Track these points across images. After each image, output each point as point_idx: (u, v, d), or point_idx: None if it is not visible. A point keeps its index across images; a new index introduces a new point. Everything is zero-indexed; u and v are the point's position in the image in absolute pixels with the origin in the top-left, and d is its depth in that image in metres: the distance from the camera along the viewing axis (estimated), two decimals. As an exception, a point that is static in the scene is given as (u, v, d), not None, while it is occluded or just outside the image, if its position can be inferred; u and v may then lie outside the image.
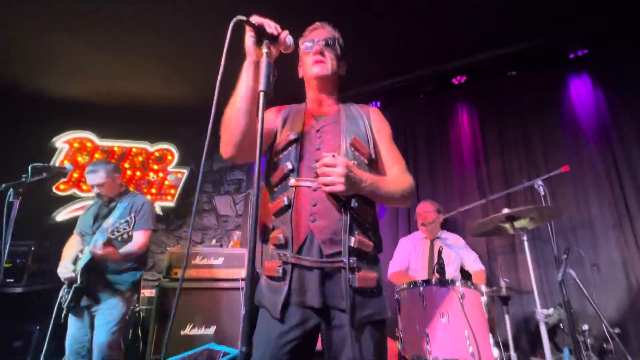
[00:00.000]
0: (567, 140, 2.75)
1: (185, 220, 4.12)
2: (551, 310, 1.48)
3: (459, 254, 2.55)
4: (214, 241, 3.83)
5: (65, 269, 2.02)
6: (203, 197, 4.23)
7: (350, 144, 1.09)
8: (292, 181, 1.05)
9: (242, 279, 3.00)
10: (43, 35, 2.86)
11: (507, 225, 1.90)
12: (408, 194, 1.12)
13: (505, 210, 1.69)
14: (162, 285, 2.92)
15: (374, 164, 1.14)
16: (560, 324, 2.08)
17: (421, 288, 1.58)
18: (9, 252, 1.90)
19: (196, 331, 2.86)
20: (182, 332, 2.84)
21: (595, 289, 2.15)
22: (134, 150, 4.05)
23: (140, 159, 4.05)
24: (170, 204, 4.01)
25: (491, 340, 1.49)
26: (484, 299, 1.60)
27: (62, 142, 3.84)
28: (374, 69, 3.27)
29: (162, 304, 2.88)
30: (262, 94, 0.85)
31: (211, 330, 2.87)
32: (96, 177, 2.20)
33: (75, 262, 2.10)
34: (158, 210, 3.94)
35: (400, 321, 1.71)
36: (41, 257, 3.28)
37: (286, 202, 1.03)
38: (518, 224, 1.73)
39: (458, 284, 1.55)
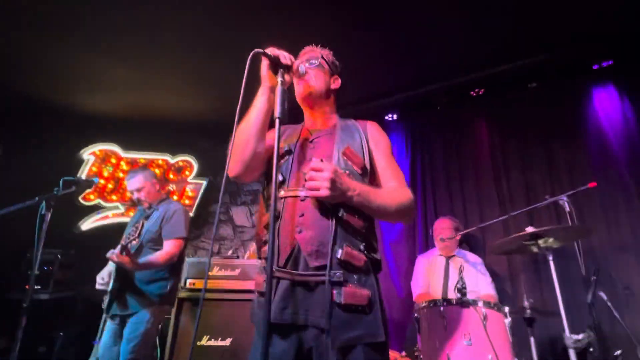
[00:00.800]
0: (594, 155, 2.65)
1: (202, 230, 4.19)
2: (581, 335, 1.41)
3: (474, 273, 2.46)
4: (230, 252, 3.86)
5: (100, 279, 2.04)
6: (220, 208, 4.30)
7: (342, 152, 1.07)
8: (281, 192, 1.04)
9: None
10: (72, 53, 3.02)
11: (531, 244, 1.83)
12: (405, 208, 1.05)
13: (530, 229, 1.64)
14: (179, 296, 2.96)
15: (369, 176, 1.11)
16: (590, 348, 1.97)
17: (442, 307, 1.54)
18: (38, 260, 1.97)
19: (212, 343, 2.87)
20: (199, 344, 2.85)
21: (627, 312, 2.04)
22: (156, 162, 4.18)
23: (162, 170, 4.18)
24: (189, 214, 4.09)
25: (516, 365, 1.43)
26: (507, 320, 1.54)
27: (89, 153, 4.01)
28: (390, 81, 3.29)
29: (179, 316, 2.91)
30: (277, 121, 0.90)
31: (227, 342, 2.87)
32: (135, 181, 2.21)
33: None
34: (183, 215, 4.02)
35: (419, 340, 1.67)
36: (66, 266, 3.39)
37: (275, 214, 1.01)
38: (543, 242, 1.67)
39: (480, 304, 1.51)
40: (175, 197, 4.14)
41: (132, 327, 1.98)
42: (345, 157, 1.07)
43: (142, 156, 4.16)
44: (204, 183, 4.18)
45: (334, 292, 0.91)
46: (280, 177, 1.05)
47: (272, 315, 0.90)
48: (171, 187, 4.14)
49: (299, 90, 1.17)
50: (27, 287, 3.11)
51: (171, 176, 4.16)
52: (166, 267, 2.10)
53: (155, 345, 3.09)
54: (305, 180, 0.95)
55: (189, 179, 4.18)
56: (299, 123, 1.27)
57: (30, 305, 1.89)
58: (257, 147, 1.04)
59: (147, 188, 2.23)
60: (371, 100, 3.47)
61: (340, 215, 0.97)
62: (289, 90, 1.01)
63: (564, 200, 1.92)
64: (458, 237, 2.52)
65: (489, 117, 3.17)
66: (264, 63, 1.02)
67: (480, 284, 2.40)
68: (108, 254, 1.89)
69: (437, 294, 2.40)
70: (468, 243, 2.77)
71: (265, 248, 1.03)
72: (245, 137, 1.03)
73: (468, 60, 3.01)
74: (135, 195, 2.23)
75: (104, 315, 2.09)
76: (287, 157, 1.10)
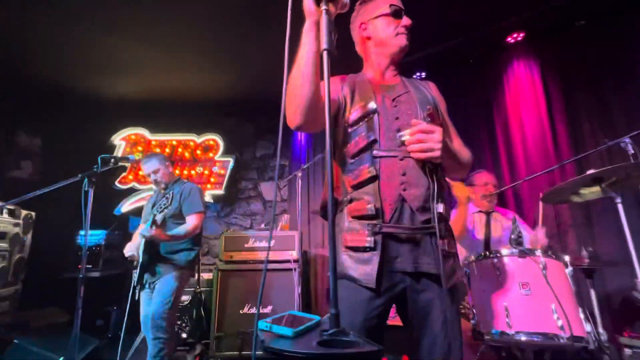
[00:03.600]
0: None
1: (233, 207, 4.27)
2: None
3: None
4: (262, 225, 3.92)
5: (128, 248, 2.25)
6: (249, 184, 4.34)
7: (427, 114, 1.06)
8: (375, 152, 1.04)
9: (294, 260, 3.05)
10: (95, 37, 3.03)
11: (587, 191, 1.68)
12: (470, 163, 1.18)
13: (592, 171, 1.49)
14: (219, 267, 3.07)
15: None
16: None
17: (495, 259, 1.46)
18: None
19: (254, 310, 2.98)
20: (241, 312, 2.97)
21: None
22: (183, 142, 4.24)
23: (189, 150, 4.23)
24: (220, 191, 4.16)
25: (581, 315, 1.34)
26: (569, 270, 1.44)
27: (120, 139, 4.11)
28: (415, 35, 3.05)
29: (220, 285, 3.03)
30: (325, 53, 0.79)
31: (268, 309, 2.97)
32: (151, 165, 2.38)
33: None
34: (209, 198, 4.11)
35: (470, 296, 1.61)
36: (112, 246, 3.59)
37: (373, 173, 1.01)
38: (607, 186, 1.52)
39: (539, 253, 1.41)
40: (203, 178, 4.21)
41: (161, 285, 2.17)
42: (430, 119, 1.06)
43: (169, 138, 4.22)
44: (231, 160, 4.21)
45: (440, 242, 0.97)
46: (372, 136, 1.05)
47: (386, 267, 0.98)
48: (199, 168, 4.19)
49: (403, 42, 1.14)
50: (79, 266, 3.36)
51: (199, 154, 4.22)
52: (190, 238, 2.30)
53: (200, 316, 3.27)
54: (402, 141, 0.99)
55: (216, 158, 4.21)
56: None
57: (84, 281, 2.01)
58: (314, 92, 0.96)
59: (162, 170, 2.41)
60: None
61: (439, 174, 1.03)
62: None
63: (626, 142, 1.73)
64: (498, 191, 2.37)
65: (529, 64, 2.90)
66: None
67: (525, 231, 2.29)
68: (142, 231, 2.10)
69: (477, 250, 2.32)
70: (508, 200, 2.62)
71: (360, 206, 1.02)
72: (299, 83, 0.95)
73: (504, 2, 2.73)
74: (152, 177, 2.40)
75: (137, 285, 2.26)
76: (372, 115, 1.07)
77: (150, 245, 2.19)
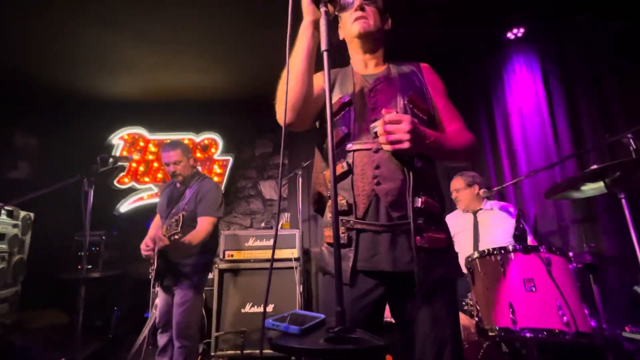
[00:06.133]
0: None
1: (233, 206, 4.25)
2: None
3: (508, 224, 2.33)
4: (262, 224, 3.91)
5: (146, 247, 2.09)
6: (248, 182, 4.32)
7: (408, 100, 1.02)
8: (349, 145, 1.00)
9: (295, 259, 3.04)
10: (93, 35, 2.99)
11: (589, 187, 1.68)
12: (472, 149, 1.08)
13: (595, 166, 1.48)
14: (220, 267, 3.06)
15: (432, 121, 1.07)
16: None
17: (499, 256, 1.45)
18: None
19: (256, 309, 2.97)
20: (243, 310, 2.97)
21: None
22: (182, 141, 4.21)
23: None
24: (221, 191, 4.14)
25: (586, 311, 1.34)
26: (572, 266, 1.44)
27: (118, 138, 4.08)
28: (412, 32, 3.02)
29: (221, 285, 3.02)
30: (325, 54, 0.80)
31: (270, 308, 2.96)
32: (174, 154, 2.21)
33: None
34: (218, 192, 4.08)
35: (473, 293, 1.60)
36: (111, 246, 3.57)
37: (346, 168, 0.99)
38: (610, 182, 1.51)
39: (542, 249, 1.40)
40: (204, 175, 4.18)
41: (181, 294, 2.10)
42: (412, 105, 1.02)
43: (168, 137, 4.19)
44: (231, 159, 4.19)
45: (418, 238, 0.93)
46: (345, 129, 1.02)
47: (360, 264, 0.95)
48: (198, 167, 4.17)
49: (356, 28, 1.07)
50: (79, 267, 3.34)
51: (198, 154, 4.19)
52: (204, 244, 2.17)
53: (202, 315, 3.25)
54: (375, 132, 0.92)
55: (215, 156, 4.19)
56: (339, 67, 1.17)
57: (84, 281, 1.99)
58: (307, 90, 0.97)
59: (184, 162, 2.26)
60: (390, 55, 3.25)
61: (416, 165, 0.97)
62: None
63: (628, 138, 1.73)
64: (476, 190, 2.39)
65: (529, 60, 2.89)
66: None
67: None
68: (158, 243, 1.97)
69: (468, 251, 2.32)
70: (509, 195, 2.62)
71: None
72: (293, 81, 0.95)
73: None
74: (172, 168, 2.24)
75: (153, 288, 2.21)
76: (347, 108, 1.04)
77: (165, 252, 2.09)
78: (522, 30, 2.91)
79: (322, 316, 0.74)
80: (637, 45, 2.51)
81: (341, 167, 1.00)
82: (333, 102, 1.06)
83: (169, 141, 2.48)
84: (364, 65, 1.14)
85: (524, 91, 2.86)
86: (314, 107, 1.06)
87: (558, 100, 2.73)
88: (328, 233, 1.02)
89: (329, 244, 1.03)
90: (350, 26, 1.08)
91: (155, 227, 2.37)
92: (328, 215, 1.05)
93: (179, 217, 1.92)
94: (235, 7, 2.69)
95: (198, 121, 4.24)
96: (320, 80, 1.10)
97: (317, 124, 1.13)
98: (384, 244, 0.94)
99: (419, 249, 0.92)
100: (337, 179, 1.00)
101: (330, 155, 0.75)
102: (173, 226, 1.92)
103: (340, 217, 1.00)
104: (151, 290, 2.26)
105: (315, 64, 0.99)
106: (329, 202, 1.04)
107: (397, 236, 0.95)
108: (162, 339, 2.18)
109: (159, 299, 2.21)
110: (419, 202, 0.94)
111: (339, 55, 1.23)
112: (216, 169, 4.16)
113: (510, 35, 2.96)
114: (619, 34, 2.57)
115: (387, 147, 0.91)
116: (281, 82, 0.98)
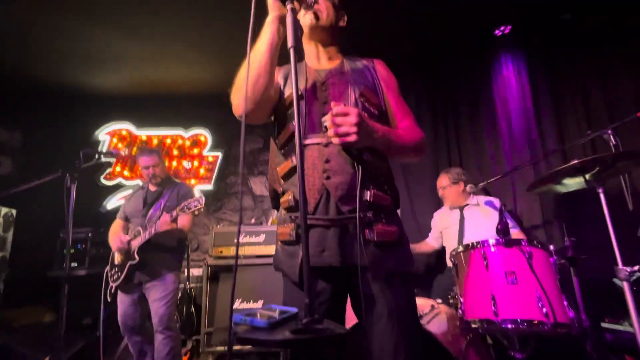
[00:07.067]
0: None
1: (223, 202, 4.22)
2: (637, 267, 1.33)
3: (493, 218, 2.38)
4: (252, 220, 3.89)
5: (120, 242, 2.16)
6: (238, 179, 4.29)
7: (359, 94, 1.03)
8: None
9: (285, 255, 3.04)
10: (78, 27, 2.91)
11: (571, 181, 1.72)
12: (421, 146, 1.08)
13: (575, 161, 1.51)
14: (209, 263, 3.04)
15: (384, 117, 1.08)
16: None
17: (483, 250, 1.48)
18: (72, 239, 2.05)
19: (245, 305, 2.97)
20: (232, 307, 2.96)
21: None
22: (170, 137, 4.15)
23: (177, 145, 4.15)
24: (209, 186, 4.11)
25: (565, 302, 1.38)
26: (553, 259, 1.47)
27: (104, 134, 4.01)
28: (399, 29, 3.02)
29: (210, 281, 3.01)
30: (292, 50, 0.81)
31: (258, 304, 2.96)
32: (152, 158, 2.36)
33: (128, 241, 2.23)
34: (198, 194, 4.05)
35: (457, 286, 1.63)
36: (98, 243, 3.51)
37: (294, 163, 0.98)
38: (590, 176, 1.55)
39: (524, 243, 1.44)
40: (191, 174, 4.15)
41: (162, 287, 2.17)
42: (363, 99, 1.03)
43: (155, 133, 4.13)
44: (220, 155, 4.15)
45: (367, 231, 0.93)
46: (296, 124, 1.00)
47: (310, 260, 0.90)
48: (185, 164, 4.12)
49: (306, 22, 1.07)
50: (64, 264, 3.28)
51: (187, 149, 4.15)
52: (178, 238, 2.33)
53: (181, 310, 3.24)
54: (325, 126, 0.91)
55: (205, 152, 4.15)
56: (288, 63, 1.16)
57: (70, 280, 1.97)
58: (268, 83, 0.98)
59: (161, 165, 2.42)
60: (378, 52, 3.24)
61: (365, 158, 0.96)
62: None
63: (609, 134, 1.77)
64: (461, 187, 2.43)
65: (516, 57, 2.93)
66: None
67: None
68: (157, 226, 2.09)
69: (453, 246, 2.37)
70: (496, 189, 2.67)
71: (287, 197, 1.00)
72: (255, 72, 0.96)
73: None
74: (152, 171, 2.37)
75: (111, 287, 2.25)
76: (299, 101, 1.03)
77: (152, 243, 2.17)
78: (509, 27, 2.94)
79: (295, 310, 0.74)
80: (619, 43, 2.56)
81: (290, 163, 1.00)
82: (286, 95, 1.07)
83: (143, 147, 2.67)
84: (317, 59, 1.14)
85: (510, 87, 2.90)
86: (271, 102, 1.06)
87: (543, 96, 2.78)
88: (281, 230, 1.00)
89: (282, 241, 1.01)
90: (302, 18, 1.08)
91: (116, 231, 2.41)
92: (282, 212, 1.05)
93: (201, 198, 2.11)
94: (225, 1, 2.64)
95: (187, 116, 4.18)
96: (274, 74, 1.09)
97: (272, 118, 1.13)
98: (333, 239, 0.93)
99: (367, 242, 0.92)
100: (288, 174, 1.01)
101: (298, 150, 0.76)
102: (194, 203, 2.09)
103: (289, 214, 1.00)
104: (106, 289, 2.27)
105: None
106: (282, 199, 1.03)
107: (346, 230, 0.94)
108: (134, 345, 2.21)
109: (121, 303, 2.22)
110: (367, 195, 0.94)
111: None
112: (205, 164, 4.13)
113: (497, 32, 2.99)
114: (602, 32, 2.62)
115: (335, 140, 0.89)
116: (240, 72, 0.98)
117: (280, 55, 1.01)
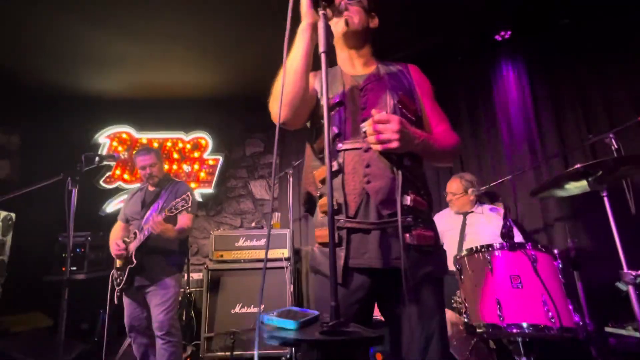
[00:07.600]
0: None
1: (223, 206, 4.20)
2: (641, 271, 1.33)
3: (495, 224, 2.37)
4: (253, 224, 3.88)
5: (117, 246, 2.15)
6: (238, 182, 4.28)
7: (398, 100, 1.04)
8: (339, 145, 1.02)
9: (286, 258, 3.02)
10: (78, 29, 2.91)
11: (574, 185, 1.72)
12: (457, 150, 1.14)
13: (579, 165, 1.52)
14: (209, 267, 3.02)
15: (420, 122, 1.10)
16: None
17: (486, 254, 1.47)
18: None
19: (245, 310, 2.94)
20: (233, 311, 2.93)
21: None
22: (170, 141, 4.14)
23: (177, 149, 4.14)
24: (209, 190, 4.09)
25: (571, 306, 1.37)
26: (557, 263, 1.47)
27: (104, 137, 3.99)
28: (399, 34, 3.03)
29: (211, 285, 2.98)
30: (323, 55, 0.83)
31: (261, 308, 2.94)
32: (149, 158, 2.34)
33: (126, 244, 2.21)
34: (198, 197, 4.04)
35: (461, 290, 1.62)
36: (97, 247, 3.48)
37: (336, 167, 1.00)
38: (594, 180, 1.55)
39: (529, 246, 1.43)
40: (191, 177, 4.14)
41: (162, 293, 2.14)
42: (401, 106, 1.05)
43: (156, 136, 4.12)
44: (220, 159, 4.14)
45: (407, 235, 0.95)
46: (335, 130, 1.03)
47: (351, 261, 0.96)
48: (186, 168, 4.11)
49: (338, 29, 1.09)
50: (63, 268, 3.24)
51: (187, 152, 4.14)
52: (179, 240, 2.29)
53: (181, 315, 3.21)
54: (364, 132, 0.94)
55: (205, 156, 4.14)
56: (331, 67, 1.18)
57: (69, 284, 1.95)
58: (304, 89, 1.00)
59: (158, 165, 2.39)
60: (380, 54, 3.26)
61: (405, 163, 0.99)
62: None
63: (610, 138, 1.78)
64: (472, 197, 2.41)
65: (516, 61, 2.95)
66: None
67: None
68: (151, 226, 2.03)
69: (452, 250, 2.35)
70: (496, 195, 2.67)
71: (325, 202, 1.02)
72: (292, 79, 0.98)
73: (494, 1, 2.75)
74: (149, 171, 2.35)
75: (116, 291, 2.21)
76: (337, 108, 1.06)
77: (149, 246, 2.15)
78: (509, 32, 2.97)
79: (316, 312, 0.75)
80: (618, 48, 2.59)
81: (331, 167, 1.01)
82: (322, 102, 1.07)
83: (140, 147, 2.65)
84: (352, 65, 1.15)
85: (510, 91, 2.92)
86: (309, 108, 1.08)
87: (543, 101, 2.80)
88: (319, 233, 1.03)
89: (320, 243, 1.04)
90: (334, 25, 1.09)
91: (117, 233, 2.40)
92: (319, 215, 1.06)
93: (187, 196, 2.04)
94: (228, 3, 2.65)
95: (187, 120, 4.18)
96: (310, 80, 1.12)
97: (308, 123, 1.14)
98: (374, 242, 0.96)
99: (407, 246, 0.93)
100: (326, 179, 1.01)
101: (327, 155, 0.76)
102: (181, 203, 2.03)
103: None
104: (113, 293, 2.24)
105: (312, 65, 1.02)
106: (319, 202, 1.05)
107: (387, 234, 0.96)
108: (138, 347, 2.19)
109: (127, 305, 2.21)
110: (407, 200, 0.96)
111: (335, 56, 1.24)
112: (206, 168, 4.11)
113: (497, 37, 3.01)
114: (601, 37, 2.64)
115: (377, 147, 0.93)
116: (278, 80, 1.01)
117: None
